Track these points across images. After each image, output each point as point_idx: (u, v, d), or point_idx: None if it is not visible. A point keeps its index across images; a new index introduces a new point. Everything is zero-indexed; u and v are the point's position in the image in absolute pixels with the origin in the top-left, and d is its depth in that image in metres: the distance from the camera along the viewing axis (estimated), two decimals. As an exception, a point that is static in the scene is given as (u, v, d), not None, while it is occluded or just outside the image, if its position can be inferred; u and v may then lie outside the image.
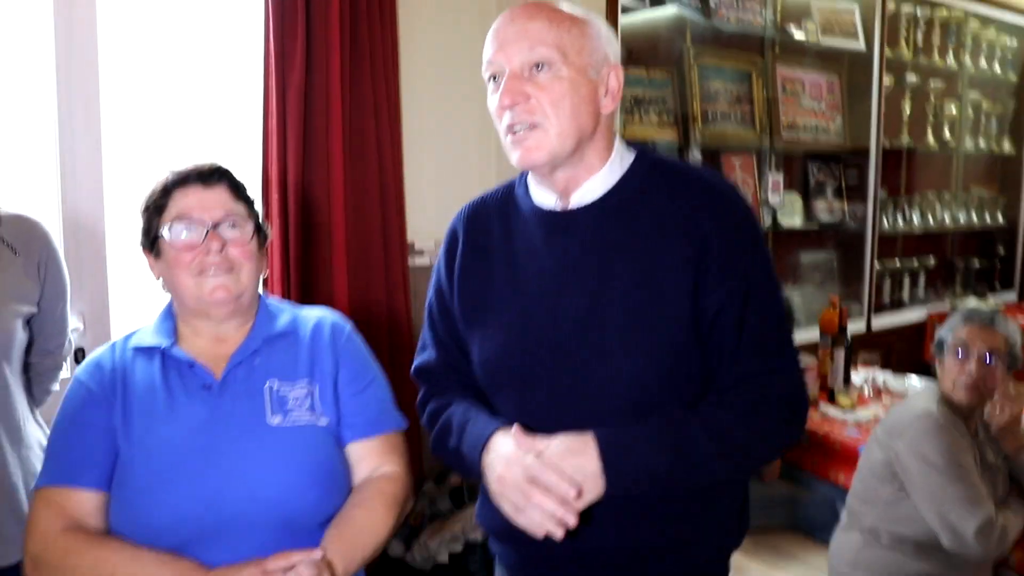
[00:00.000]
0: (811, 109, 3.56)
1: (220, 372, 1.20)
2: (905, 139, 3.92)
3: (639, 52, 2.95)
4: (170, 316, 1.26)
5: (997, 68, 4.35)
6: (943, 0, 3.96)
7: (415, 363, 1.30)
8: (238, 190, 1.25)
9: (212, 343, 1.23)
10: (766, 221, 3.40)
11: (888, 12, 3.66)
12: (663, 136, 3.04)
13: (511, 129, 1.08)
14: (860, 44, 3.63)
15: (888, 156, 3.79)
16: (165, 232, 1.18)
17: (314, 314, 1.32)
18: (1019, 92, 4.51)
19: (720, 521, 1.15)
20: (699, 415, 1.05)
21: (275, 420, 1.18)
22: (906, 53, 3.85)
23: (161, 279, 1.24)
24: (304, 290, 2.21)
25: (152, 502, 1.11)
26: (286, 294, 2.16)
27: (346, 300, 2.22)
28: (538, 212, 1.16)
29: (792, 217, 3.53)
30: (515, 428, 1.06)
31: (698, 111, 3.12)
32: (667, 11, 3.04)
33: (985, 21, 4.22)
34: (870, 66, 3.65)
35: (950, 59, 4.07)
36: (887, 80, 3.70)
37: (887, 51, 3.69)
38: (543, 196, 1.17)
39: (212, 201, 1.19)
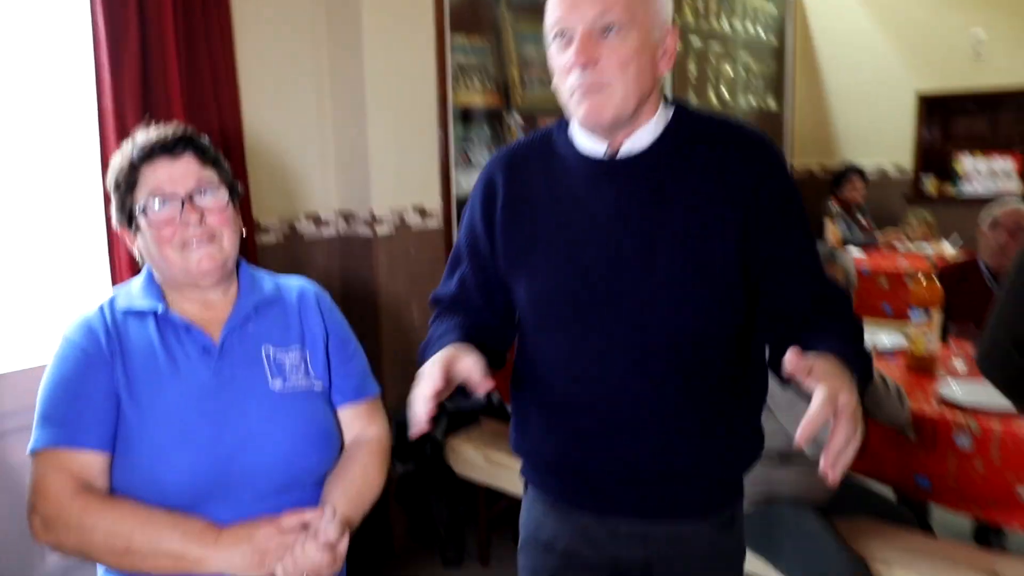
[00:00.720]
0: (614, 72, 3.80)
1: (216, 336, 1.24)
2: (692, 98, 4.31)
3: (462, 19, 2.97)
4: (153, 281, 1.27)
5: (761, 33, 4.89)
6: (719, -31, 4.37)
7: (436, 290, 1.37)
8: (205, 154, 1.24)
9: (200, 308, 1.26)
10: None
11: (675, -20, 3.97)
12: (487, 102, 3.12)
13: (579, 88, 1.11)
14: (654, 10, 3.91)
15: (679, 114, 4.16)
16: (140, 209, 1.20)
17: (294, 283, 1.37)
18: (779, 54, 5.10)
19: (739, 442, 1.28)
20: (833, 330, 1.16)
21: (276, 385, 1.24)
22: (690, 18, 4.20)
23: (142, 253, 1.26)
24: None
25: (164, 463, 1.15)
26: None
27: None
28: (585, 160, 1.20)
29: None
30: (437, 360, 1.10)
31: (516, 77, 3.21)
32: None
33: (751, -12, 4.72)
34: (662, 31, 3.96)
35: (725, 24, 4.50)
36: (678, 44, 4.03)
37: (676, 16, 4.01)
38: (590, 144, 1.20)
39: (181, 171, 1.21)
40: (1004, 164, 5.44)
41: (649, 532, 1.26)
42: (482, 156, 3.18)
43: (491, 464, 2.76)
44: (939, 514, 2.58)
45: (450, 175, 2.87)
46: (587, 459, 1.22)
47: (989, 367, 1.54)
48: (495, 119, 3.23)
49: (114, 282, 2.06)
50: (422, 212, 2.80)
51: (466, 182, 3.02)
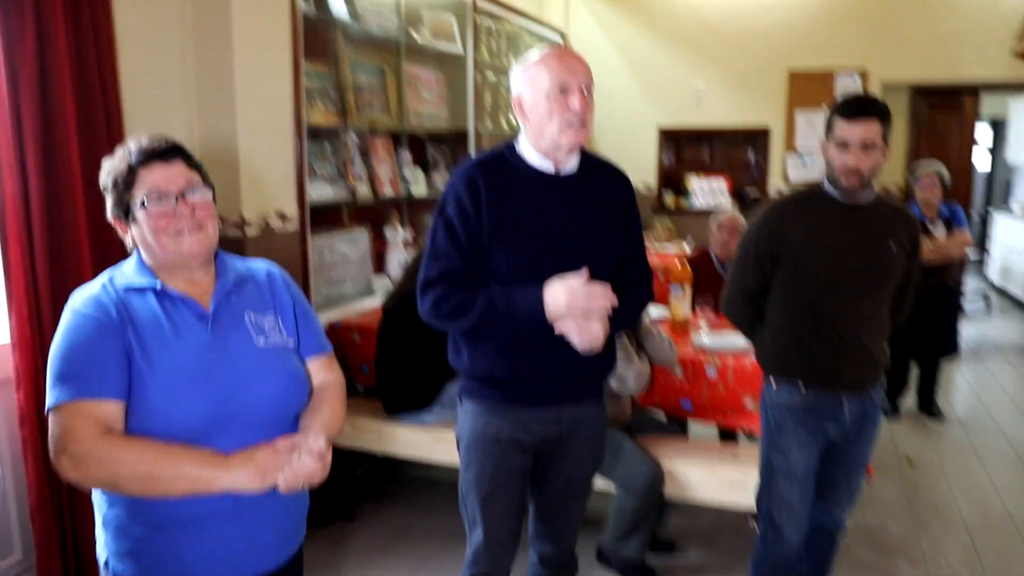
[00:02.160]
0: (428, 100, 4.40)
1: (207, 306, 1.46)
2: (489, 124, 5.03)
3: (308, 47, 3.39)
4: (144, 264, 1.46)
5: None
6: (505, 16, 5.16)
7: (437, 267, 1.82)
8: (190, 160, 1.47)
9: (188, 285, 1.47)
10: (402, 192, 4.16)
11: (475, 23, 4.68)
12: (328, 122, 3.56)
13: (576, 123, 1.76)
14: (459, 47, 4.58)
15: (476, 137, 4.86)
16: (140, 204, 1.40)
17: (259, 264, 1.63)
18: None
19: (610, 355, 1.96)
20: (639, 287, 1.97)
21: (260, 342, 1.49)
22: (486, 56, 4.93)
23: (134, 240, 1.46)
24: (54, 266, 2.29)
25: (177, 406, 1.35)
26: (31, 266, 2.24)
27: (88, 258, 2.37)
28: (539, 173, 1.85)
29: (418, 187, 4.35)
30: (584, 272, 1.74)
31: (352, 100, 3.70)
32: (326, 12, 3.53)
33: (530, 33, 5.59)
34: (465, 65, 4.63)
35: (512, 61, 5.30)
36: (477, 77, 4.73)
37: (475, 54, 4.71)
38: (541, 163, 1.85)
39: (174, 174, 1.42)
40: (719, 184, 6.87)
41: (561, 414, 1.94)
42: (326, 169, 3.62)
43: (356, 430, 3.22)
44: (694, 427, 3.50)
45: (304, 184, 3.28)
46: (529, 372, 1.86)
47: (728, 311, 2.37)
48: (334, 137, 3.69)
49: (9, 297, 2.24)
50: (282, 217, 3.19)
51: (315, 192, 3.44)
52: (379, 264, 4.11)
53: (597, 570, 2.94)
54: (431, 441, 3.12)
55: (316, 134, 3.51)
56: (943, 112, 6.72)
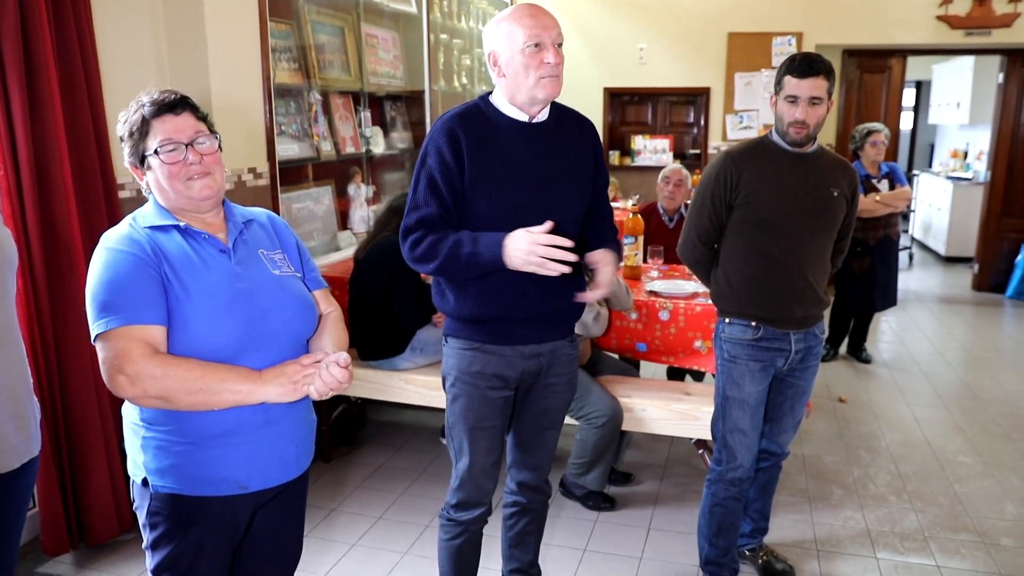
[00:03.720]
0: (385, 59, 4.47)
1: (226, 242, 1.60)
2: (442, 84, 5.12)
3: (271, 5, 3.43)
4: (161, 207, 1.58)
5: (488, 31, 5.86)
6: (457, -24, 5.22)
7: (415, 216, 1.93)
8: (197, 112, 1.59)
9: (203, 226, 1.60)
10: (362, 150, 4.24)
11: (427, -18, 4.74)
12: (294, 80, 3.62)
13: (551, 76, 1.88)
14: (413, 8, 4.64)
15: (431, 96, 4.94)
16: (153, 152, 1.52)
17: (258, 210, 1.77)
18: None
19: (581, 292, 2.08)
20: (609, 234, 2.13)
21: (276, 272, 1.64)
22: (439, 17, 5.00)
23: (151, 186, 1.58)
24: (44, 220, 2.35)
25: (214, 328, 1.50)
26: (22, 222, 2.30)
27: (79, 224, 2.44)
28: (515, 122, 1.96)
29: (378, 146, 4.44)
30: (547, 225, 1.82)
31: (314, 60, 3.75)
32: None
33: (481, -6, 5.67)
34: (420, 26, 4.70)
35: (463, 23, 5.38)
36: (431, 38, 4.80)
37: (428, 15, 4.78)
38: (516, 114, 1.96)
39: (183, 124, 1.54)
40: (662, 143, 7.11)
41: (540, 350, 2.10)
42: (292, 128, 3.68)
43: (329, 378, 3.35)
44: (645, 367, 3.75)
45: (274, 141, 3.35)
46: (510, 313, 2.00)
47: (683, 252, 2.57)
48: (298, 96, 3.74)
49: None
50: (255, 172, 3.27)
51: (282, 150, 3.51)
52: (343, 221, 4.21)
53: (561, 501, 3.17)
54: (404, 384, 3.29)
55: (281, 93, 3.57)
56: (872, 74, 7.07)
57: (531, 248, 1.83)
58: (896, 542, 2.94)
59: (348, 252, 3.86)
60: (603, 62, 6.93)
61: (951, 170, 9.15)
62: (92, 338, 1.48)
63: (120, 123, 1.58)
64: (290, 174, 3.66)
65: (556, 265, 1.82)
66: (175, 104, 1.56)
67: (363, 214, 4.18)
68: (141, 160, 1.56)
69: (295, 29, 3.67)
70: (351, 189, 4.23)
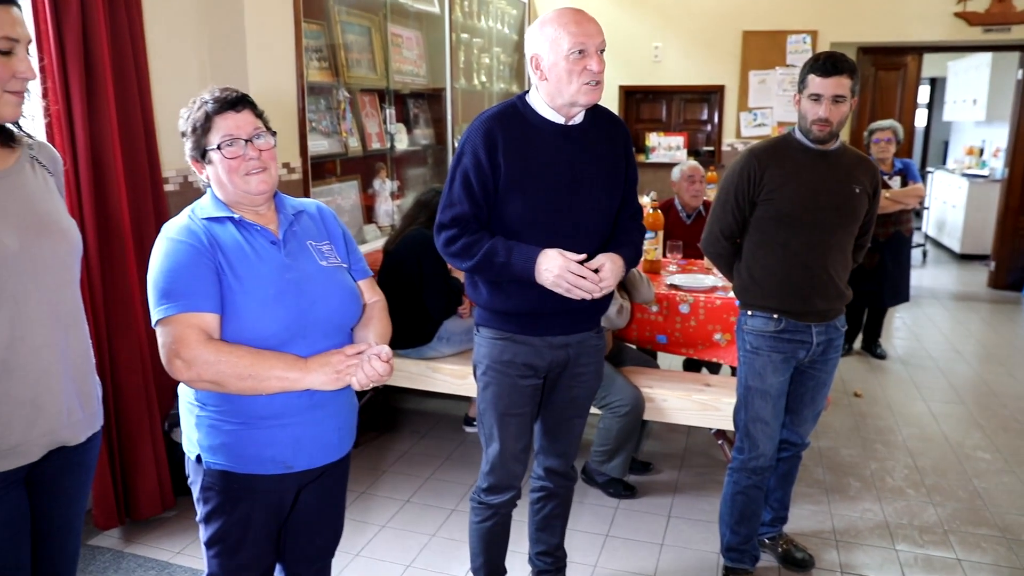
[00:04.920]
0: (409, 58, 4.55)
1: (277, 234, 1.67)
2: (462, 82, 5.20)
3: (304, 5, 3.53)
4: (218, 199, 1.66)
5: (507, 30, 5.93)
6: (478, -24, 5.31)
7: (450, 213, 1.99)
8: (256, 110, 1.66)
9: (256, 218, 1.68)
10: (387, 145, 4.34)
11: (450, -17, 4.83)
12: (324, 78, 3.71)
13: (594, 83, 1.92)
14: (436, 8, 4.72)
15: (452, 95, 5.03)
16: (215, 147, 1.60)
17: (308, 201, 1.83)
18: (520, 47, 6.19)
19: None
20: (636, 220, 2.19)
21: (323, 263, 1.71)
22: (460, 17, 5.08)
23: (210, 179, 1.66)
24: (98, 209, 2.47)
25: (264, 317, 1.57)
26: (80, 213, 2.42)
27: (128, 215, 2.56)
28: (551, 124, 2.01)
29: (402, 142, 4.53)
30: (580, 256, 1.92)
31: (343, 58, 3.85)
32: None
33: (500, -6, 5.75)
34: (442, 25, 4.78)
35: (483, 23, 5.46)
36: (452, 37, 4.88)
37: (450, 15, 4.86)
38: (552, 115, 2.00)
39: (244, 121, 1.62)
40: (677, 140, 7.17)
41: (569, 341, 2.16)
42: (322, 124, 3.78)
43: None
44: (661, 359, 3.83)
45: (306, 137, 3.45)
46: (540, 306, 2.06)
47: (706, 247, 2.63)
48: (328, 93, 3.84)
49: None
50: (288, 167, 3.36)
51: (313, 145, 3.61)
52: (368, 215, 4.30)
53: (583, 487, 3.26)
54: (431, 372, 3.39)
55: (313, 90, 3.66)
56: (887, 72, 7.11)
57: (562, 273, 1.92)
58: (915, 535, 2.98)
59: (374, 245, 3.95)
60: (618, 60, 6.99)
61: (966, 167, 9.15)
62: (152, 323, 1.57)
63: (182, 119, 1.66)
64: (319, 169, 3.76)
65: (582, 293, 1.93)
66: (236, 101, 1.63)
67: (388, 208, 4.28)
68: (202, 155, 1.63)
69: (326, 29, 3.76)
70: (376, 184, 4.32)
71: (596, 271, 1.97)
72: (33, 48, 1.48)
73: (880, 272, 4.84)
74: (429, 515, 3.10)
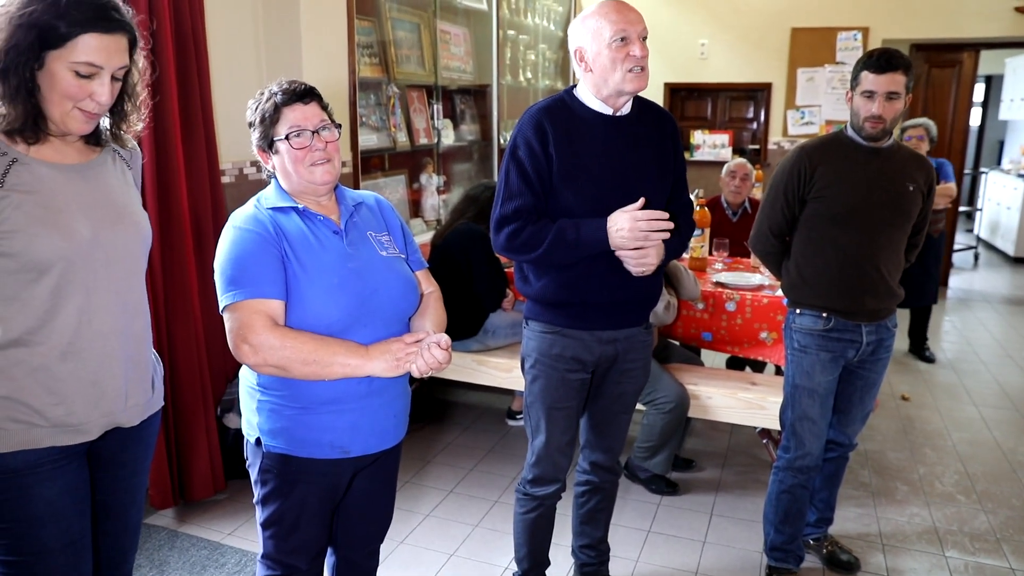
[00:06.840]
0: (457, 55, 4.60)
1: (339, 224, 1.71)
2: (508, 78, 5.23)
3: (358, 3, 3.59)
4: (283, 190, 1.70)
5: (553, 27, 5.94)
6: (525, -27, 5.33)
7: (512, 205, 2.00)
8: (322, 102, 1.70)
9: (318, 208, 1.71)
10: (434, 140, 4.38)
11: (498, -20, 4.86)
12: (374, 74, 3.77)
13: (638, 69, 1.94)
14: (484, 5, 4.76)
15: (499, 91, 5.06)
16: (283, 137, 1.64)
17: (367, 194, 1.87)
18: (564, 43, 6.20)
19: (657, 280, 2.18)
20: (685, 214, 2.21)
21: (383, 253, 1.74)
22: (507, 13, 5.11)
23: (275, 169, 1.70)
24: (161, 199, 2.56)
25: (328, 304, 1.61)
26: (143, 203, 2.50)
27: (188, 206, 2.64)
28: (599, 115, 2.03)
29: (448, 138, 4.58)
30: (639, 202, 1.95)
31: (393, 55, 3.90)
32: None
33: (546, -9, 5.77)
34: (490, 22, 4.82)
35: (529, 19, 5.48)
36: (499, 34, 4.92)
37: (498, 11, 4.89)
38: (600, 106, 2.02)
39: (311, 113, 1.65)
40: (722, 138, 7.11)
41: (617, 336, 2.17)
42: (372, 119, 3.84)
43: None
44: (706, 356, 3.81)
45: (357, 132, 3.51)
46: (590, 299, 2.08)
47: (756, 245, 2.62)
48: (377, 89, 3.90)
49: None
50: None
51: (363, 140, 3.67)
52: (414, 209, 4.36)
53: (626, 483, 3.27)
54: (476, 365, 3.43)
55: (363, 86, 3.72)
56: (942, 69, 6.93)
57: (633, 225, 1.93)
58: (966, 541, 2.92)
59: (420, 239, 4.00)
60: (664, 57, 6.96)
61: (1022, 168, 8.90)
62: (220, 309, 1.62)
63: (250, 110, 1.70)
64: (366, 164, 3.83)
65: (659, 234, 1.95)
66: (304, 93, 1.67)
67: (434, 203, 4.33)
68: (269, 145, 1.67)
69: (376, 26, 3.82)
70: (423, 178, 4.37)
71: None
72: (136, 74, 1.53)
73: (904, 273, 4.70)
74: (473, 505, 3.14)
